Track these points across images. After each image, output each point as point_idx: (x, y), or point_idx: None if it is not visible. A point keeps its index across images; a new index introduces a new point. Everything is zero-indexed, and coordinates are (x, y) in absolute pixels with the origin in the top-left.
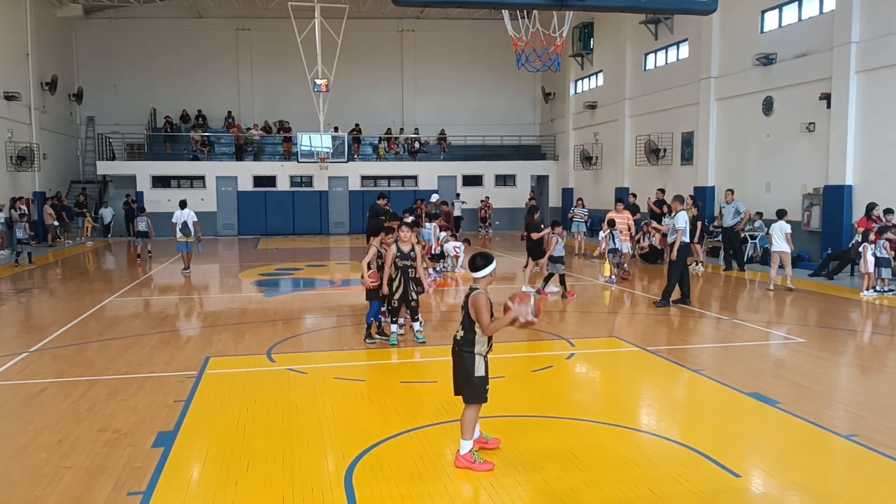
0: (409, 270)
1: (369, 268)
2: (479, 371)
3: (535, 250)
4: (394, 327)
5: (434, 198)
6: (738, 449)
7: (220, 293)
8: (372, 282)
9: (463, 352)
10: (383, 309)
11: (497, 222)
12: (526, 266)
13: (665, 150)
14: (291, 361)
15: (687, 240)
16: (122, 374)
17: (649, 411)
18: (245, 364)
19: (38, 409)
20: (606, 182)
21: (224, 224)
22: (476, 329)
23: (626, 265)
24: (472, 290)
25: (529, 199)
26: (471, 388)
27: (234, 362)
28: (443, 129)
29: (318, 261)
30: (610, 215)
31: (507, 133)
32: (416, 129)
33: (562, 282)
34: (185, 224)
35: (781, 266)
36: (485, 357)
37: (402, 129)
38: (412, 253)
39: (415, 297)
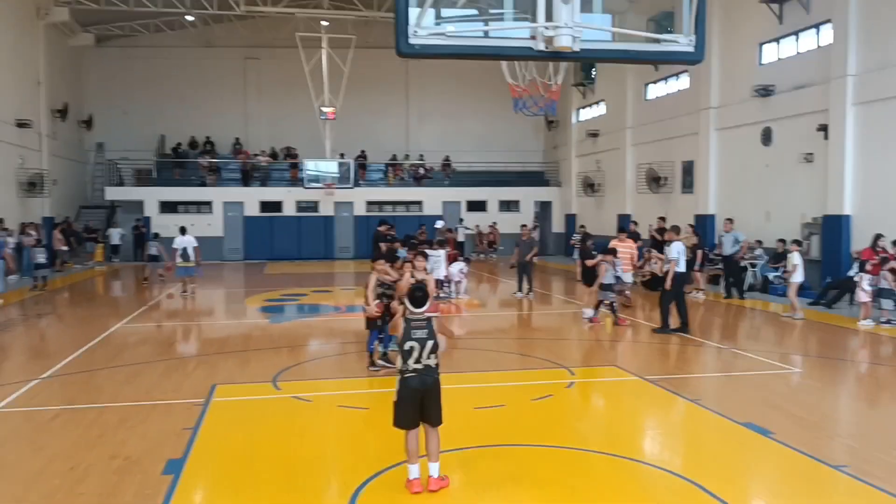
0: None
1: (376, 298)
2: None
3: (589, 277)
4: None
5: (439, 224)
6: (730, 479)
7: (226, 319)
8: (378, 313)
9: (438, 376)
10: (381, 336)
11: (501, 247)
12: (522, 291)
13: (666, 179)
14: (296, 389)
15: (682, 269)
16: (131, 402)
17: (646, 441)
18: (251, 392)
19: (50, 436)
20: (609, 209)
21: (230, 249)
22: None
23: (627, 292)
24: (427, 319)
25: (532, 228)
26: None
27: (240, 390)
28: (447, 156)
29: (323, 286)
30: (612, 243)
31: (511, 159)
32: (421, 155)
33: (612, 309)
34: (184, 250)
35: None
36: None
37: (407, 156)
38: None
39: None
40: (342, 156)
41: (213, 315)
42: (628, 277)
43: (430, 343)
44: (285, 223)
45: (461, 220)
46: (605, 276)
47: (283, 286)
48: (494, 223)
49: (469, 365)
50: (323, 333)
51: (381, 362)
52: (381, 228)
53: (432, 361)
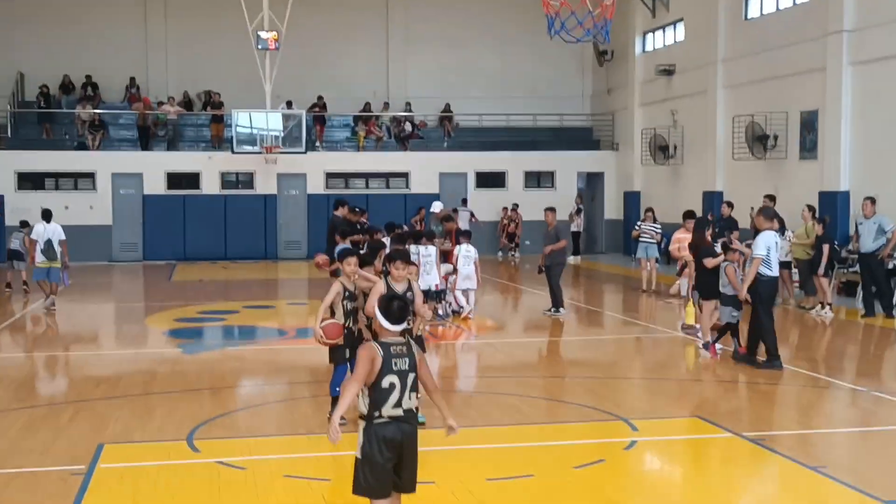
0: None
1: (332, 313)
2: None
3: (708, 286)
4: None
5: (437, 207)
6: None
7: (118, 348)
8: (327, 337)
9: (417, 426)
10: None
11: (528, 242)
12: (553, 310)
13: (776, 138)
14: (223, 451)
15: (773, 273)
16: None
17: None
18: (155, 454)
19: None
20: (689, 183)
21: (123, 244)
22: None
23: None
24: (408, 342)
25: (575, 212)
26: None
27: (139, 451)
28: (447, 104)
29: (261, 300)
30: (676, 236)
31: (543, 110)
32: (408, 103)
33: (733, 333)
34: (48, 243)
35: None
36: None
37: (386, 104)
38: (409, 294)
39: None
40: (289, 105)
41: (97, 342)
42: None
43: (412, 377)
44: (204, 206)
45: (464, 200)
46: (727, 284)
47: (201, 299)
48: (516, 206)
49: (481, 415)
50: (262, 370)
51: None
52: (340, 212)
53: (414, 403)
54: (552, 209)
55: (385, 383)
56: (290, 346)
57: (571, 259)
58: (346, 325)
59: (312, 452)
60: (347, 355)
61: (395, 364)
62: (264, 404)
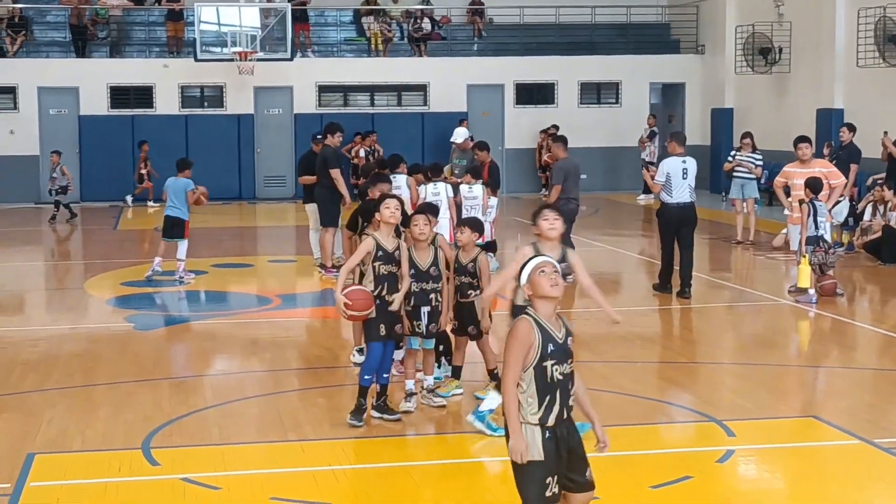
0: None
1: (361, 278)
2: (534, 449)
3: None
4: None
5: (460, 136)
6: None
7: (48, 321)
8: (354, 308)
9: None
10: (399, 358)
11: (584, 175)
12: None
13: None
14: (190, 464)
15: (672, 200)
16: None
17: None
18: (100, 467)
19: None
20: (800, 99)
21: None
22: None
23: (832, 268)
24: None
25: (647, 136)
26: (518, 482)
27: (79, 464)
28: None
29: (234, 256)
30: (788, 169)
31: (605, 2)
32: None
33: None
34: None
35: None
36: (544, 428)
37: None
38: (433, 269)
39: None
40: None
41: (21, 312)
42: (827, 231)
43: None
44: (160, 130)
45: (461, 120)
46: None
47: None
48: (553, 129)
49: None
50: (238, 351)
51: (412, 401)
52: (331, 141)
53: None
54: (560, 139)
55: (557, 374)
56: (274, 318)
57: (642, 199)
58: (378, 293)
59: (308, 466)
60: (383, 332)
61: (552, 354)
62: (242, 399)
